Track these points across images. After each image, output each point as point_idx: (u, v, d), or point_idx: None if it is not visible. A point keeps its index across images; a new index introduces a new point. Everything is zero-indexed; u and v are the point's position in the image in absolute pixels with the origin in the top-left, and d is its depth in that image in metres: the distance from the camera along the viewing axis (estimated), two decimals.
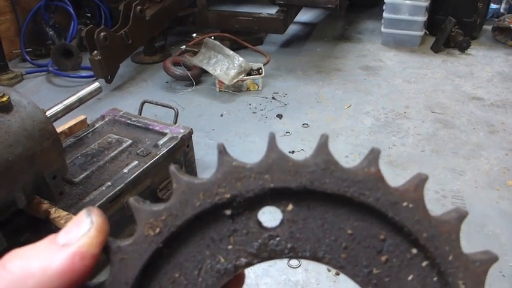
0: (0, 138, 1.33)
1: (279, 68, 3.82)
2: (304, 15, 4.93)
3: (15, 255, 0.30)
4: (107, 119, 2.32)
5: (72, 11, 4.09)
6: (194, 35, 4.05)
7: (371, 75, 3.68)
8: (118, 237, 0.34)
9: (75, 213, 1.53)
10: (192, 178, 0.33)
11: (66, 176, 1.75)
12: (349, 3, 4.74)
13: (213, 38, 3.67)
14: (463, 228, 0.33)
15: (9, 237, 1.49)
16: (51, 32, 4.15)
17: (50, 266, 0.29)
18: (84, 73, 3.76)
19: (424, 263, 0.34)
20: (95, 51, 3.14)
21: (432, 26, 4.24)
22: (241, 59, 3.33)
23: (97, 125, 2.27)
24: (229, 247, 0.35)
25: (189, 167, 2.29)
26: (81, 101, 1.85)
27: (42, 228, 1.59)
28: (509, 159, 2.57)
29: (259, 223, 0.35)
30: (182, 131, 2.19)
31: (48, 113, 1.64)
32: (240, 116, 3.11)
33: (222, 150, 0.33)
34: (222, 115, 3.13)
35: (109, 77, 3.30)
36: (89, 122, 2.31)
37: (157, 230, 0.33)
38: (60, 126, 2.14)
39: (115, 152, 2.06)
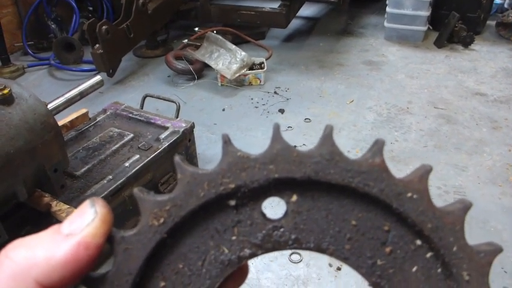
0: (1, 131, 1.33)
1: (281, 62, 3.81)
2: (307, 10, 4.90)
3: (19, 244, 0.30)
4: (108, 113, 2.32)
5: (74, 4, 4.09)
6: (196, 29, 4.05)
7: (374, 70, 3.66)
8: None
9: (76, 207, 1.53)
10: (197, 169, 0.33)
11: (68, 170, 1.76)
12: None
13: (215, 32, 3.66)
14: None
15: (10, 230, 1.50)
16: (53, 26, 4.14)
17: (54, 256, 0.29)
18: (86, 67, 3.75)
19: (428, 254, 0.34)
20: (97, 45, 3.13)
21: (435, 21, 4.21)
22: (243, 53, 3.32)
23: (99, 119, 2.27)
24: (233, 238, 0.34)
25: (191, 162, 2.29)
26: (82, 95, 1.85)
27: (43, 221, 1.59)
28: None
29: (263, 214, 0.35)
30: (184, 125, 2.19)
31: (50, 106, 1.64)
32: (242, 111, 3.10)
33: (226, 141, 0.33)
34: (223, 109, 3.13)
35: (111, 70, 3.30)
36: (90, 115, 2.31)
37: (162, 220, 0.33)
38: (62, 120, 2.14)
39: (116, 145, 2.06)
